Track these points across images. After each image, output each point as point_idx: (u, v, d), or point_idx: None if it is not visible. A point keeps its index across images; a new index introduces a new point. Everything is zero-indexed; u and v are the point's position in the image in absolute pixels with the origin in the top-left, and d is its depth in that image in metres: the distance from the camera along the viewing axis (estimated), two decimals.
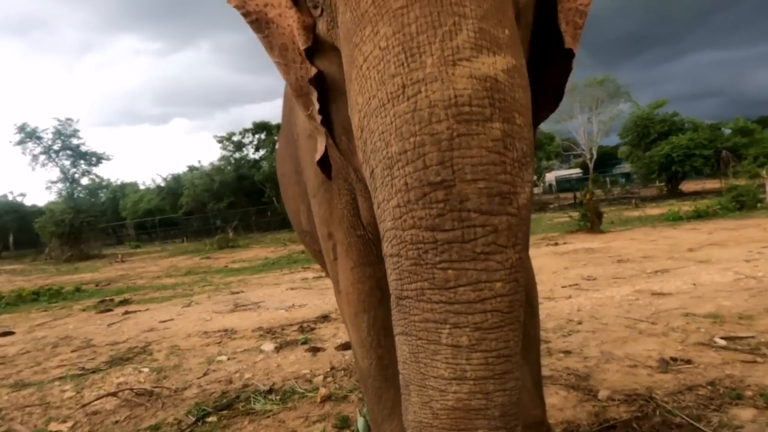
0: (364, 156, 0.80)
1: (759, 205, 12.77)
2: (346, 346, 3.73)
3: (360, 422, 2.40)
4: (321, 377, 3.17)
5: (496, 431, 0.73)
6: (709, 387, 2.51)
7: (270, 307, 5.76)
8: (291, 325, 4.76)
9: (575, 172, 44.98)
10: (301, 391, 2.97)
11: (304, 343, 3.97)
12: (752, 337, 3.15)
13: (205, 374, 3.44)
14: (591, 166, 31.85)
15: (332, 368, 3.32)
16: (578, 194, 21.66)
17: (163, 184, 35.72)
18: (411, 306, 0.73)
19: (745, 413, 2.21)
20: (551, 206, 25.48)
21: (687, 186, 26.38)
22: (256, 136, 32.70)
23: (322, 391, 2.87)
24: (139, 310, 6.49)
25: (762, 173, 14.83)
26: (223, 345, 4.24)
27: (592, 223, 11.02)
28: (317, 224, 1.60)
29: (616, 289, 4.91)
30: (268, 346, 3.95)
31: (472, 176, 0.69)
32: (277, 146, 2.53)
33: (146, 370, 3.61)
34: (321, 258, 2.21)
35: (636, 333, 3.45)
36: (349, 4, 0.83)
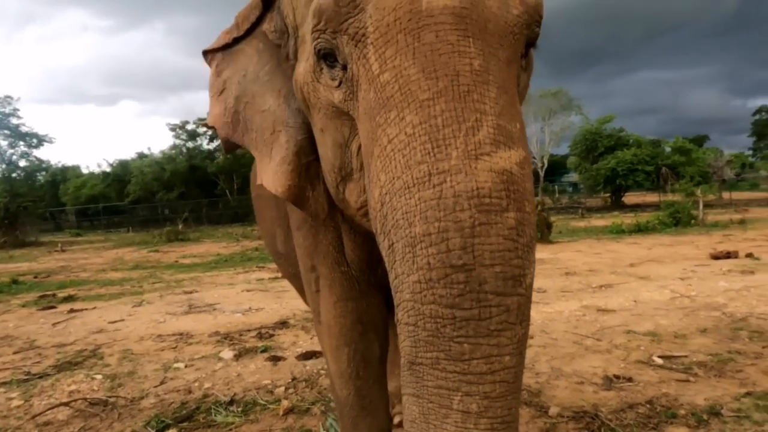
0: (383, 228, 0.88)
1: (693, 221, 13.66)
2: (306, 356, 3.77)
3: None
4: (282, 388, 3.20)
5: None
6: (648, 405, 2.72)
7: (226, 310, 5.69)
8: (249, 330, 4.73)
9: None
10: (263, 402, 2.99)
11: (264, 351, 3.97)
12: (686, 356, 3.43)
13: (162, 383, 3.39)
14: (542, 174, 33.02)
15: (294, 379, 3.35)
16: None
17: (108, 170, 34.22)
18: (425, 372, 0.80)
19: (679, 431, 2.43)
20: None
21: (629, 198, 27.84)
22: None
23: (285, 403, 2.91)
24: (86, 308, 6.25)
25: (697, 192, 15.87)
26: (179, 350, 4.18)
27: (542, 233, 11.46)
28: (300, 255, 1.64)
29: (564, 303, 5.17)
30: (227, 353, 3.92)
31: (490, 261, 0.77)
32: (254, 166, 2.54)
33: (99, 377, 3.51)
34: (296, 281, 2.25)
35: (582, 349, 3.67)
36: (374, 85, 0.90)
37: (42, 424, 2.82)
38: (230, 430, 2.69)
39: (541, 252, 9.72)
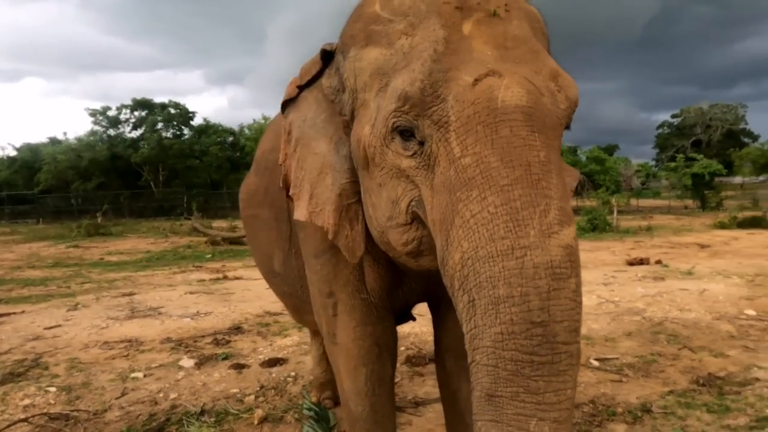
0: (463, 286, 1.04)
1: (608, 227, 14.90)
2: (271, 363, 3.83)
3: None
4: (252, 397, 3.25)
5: None
6: (591, 404, 3.08)
7: (173, 315, 5.56)
8: (203, 336, 4.69)
9: None
10: (235, 412, 3.05)
11: (225, 358, 3.98)
12: (617, 358, 3.86)
13: (123, 394, 3.33)
14: None
15: (262, 387, 3.41)
16: None
17: (15, 155, 31.33)
18: (505, 403, 0.98)
19: (619, 428, 2.79)
20: None
21: None
22: (135, 113, 30.15)
23: (259, 412, 2.98)
24: (14, 312, 5.83)
25: (612, 200, 17.28)
26: (132, 358, 4.08)
27: None
28: (316, 281, 1.76)
29: None
30: (187, 361, 3.89)
31: (560, 318, 0.97)
32: (246, 185, 2.61)
33: (53, 389, 3.38)
34: (289, 300, 2.36)
35: None
36: (455, 165, 1.06)
37: None
38: None
39: None
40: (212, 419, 2.95)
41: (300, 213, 1.50)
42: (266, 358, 3.94)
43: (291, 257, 2.11)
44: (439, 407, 2.87)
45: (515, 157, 1.02)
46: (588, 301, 5.69)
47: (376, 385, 1.71)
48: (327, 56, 1.45)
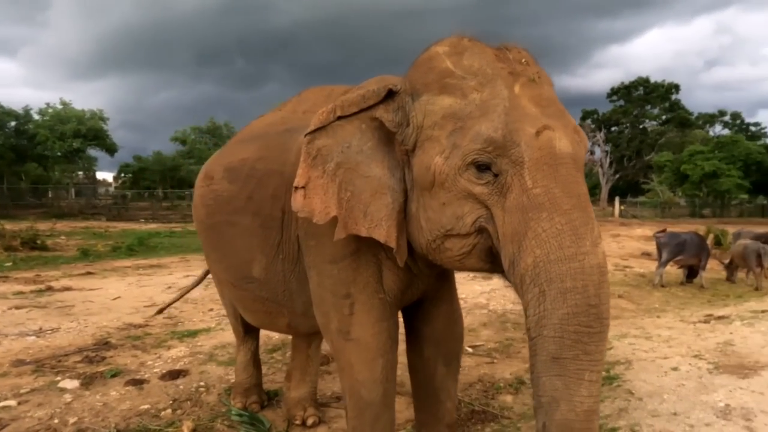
0: (534, 280, 1.41)
1: None
2: (173, 375, 3.64)
3: None
4: (169, 410, 3.11)
5: (596, 423, 1.43)
6: (480, 383, 3.70)
7: (9, 333, 4.72)
8: (65, 355, 4.15)
9: None
10: (156, 428, 2.90)
11: (114, 375, 3.63)
12: (483, 345, 4.63)
13: (2, 426, 2.86)
14: None
15: (175, 400, 3.26)
16: None
17: None
18: (568, 362, 1.37)
19: (508, 398, 3.44)
20: None
21: None
22: None
23: (188, 423, 2.89)
24: None
25: None
26: None
27: None
28: (331, 284, 1.94)
29: None
30: (70, 382, 3.46)
31: (605, 301, 1.40)
32: (212, 190, 2.56)
33: None
34: (263, 304, 2.42)
35: None
36: (527, 193, 1.43)
37: None
38: None
39: None
40: None
41: (351, 228, 1.69)
42: (163, 371, 3.72)
43: (277, 263, 2.21)
44: None
45: (571, 189, 1.45)
46: None
47: (389, 374, 1.97)
48: (389, 94, 1.69)
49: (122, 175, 37.37)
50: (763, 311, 5.34)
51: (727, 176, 29.19)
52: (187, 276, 7.95)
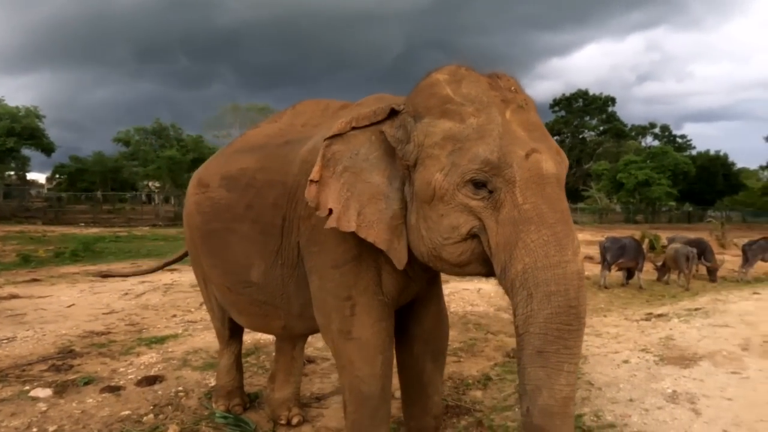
0: (523, 285, 1.62)
1: None
2: (150, 381, 3.63)
3: None
4: (152, 416, 3.12)
5: (572, 408, 1.65)
6: (450, 380, 3.92)
7: None
8: (28, 364, 4.02)
9: None
10: None
11: (87, 383, 3.57)
12: (449, 345, 4.85)
13: None
14: None
15: (155, 405, 3.27)
16: None
17: None
18: (550, 355, 1.58)
19: (478, 393, 3.68)
20: None
21: None
22: None
23: (174, 427, 2.94)
24: None
25: None
26: None
27: None
28: (333, 287, 2.08)
29: None
30: (41, 391, 3.38)
31: (583, 302, 1.63)
32: (208, 198, 2.63)
33: None
34: (260, 307, 2.53)
35: None
36: (518, 208, 1.64)
37: None
38: None
39: None
40: None
41: (343, 224, 1.86)
42: (138, 378, 3.70)
43: (276, 268, 2.33)
44: (337, 399, 3.34)
45: (555, 206, 1.67)
46: None
47: (387, 370, 2.13)
48: (393, 113, 1.87)
49: (57, 176, 35.45)
50: (696, 309, 5.91)
51: (658, 185, 31.35)
52: (143, 283, 7.77)
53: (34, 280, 8.37)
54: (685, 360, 3.75)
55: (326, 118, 2.37)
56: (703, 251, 9.31)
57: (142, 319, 5.70)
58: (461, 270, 1.86)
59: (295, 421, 3.09)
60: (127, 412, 3.16)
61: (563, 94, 43.62)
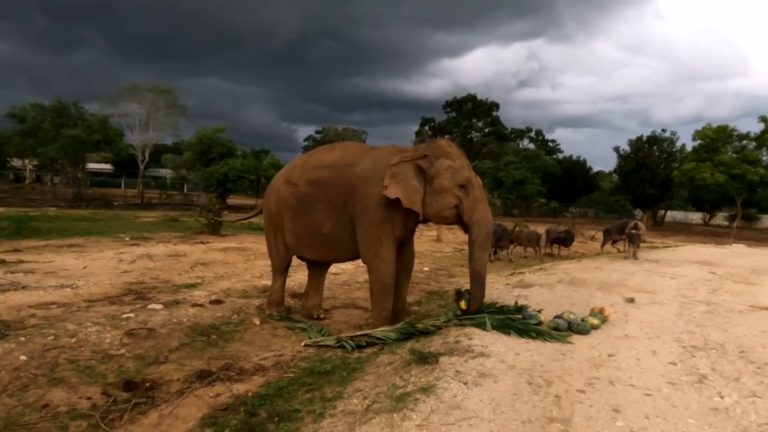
0: (476, 224, 4.44)
1: None
2: (218, 302, 5.70)
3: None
4: (235, 316, 5.28)
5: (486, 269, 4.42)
6: (368, 326, 6.47)
7: (44, 286, 6.08)
8: (118, 296, 5.84)
9: (107, 167, 44.16)
10: (237, 320, 5.09)
11: (177, 303, 5.56)
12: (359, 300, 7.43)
13: (166, 324, 4.77)
14: (142, 166, 33.67)
15: (233, 312, 5.41)
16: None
17: None
18: (482, 248, 4.39)
19: (416, 307, 6.29)
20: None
21: (232, 200, 32.44)
22: None
23: (256, 319, 5.15)
24: None
25: None
26: (88, 311, 5.13)
27: (215, 227, 13.93)
28: (373, 233, 4.63)
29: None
30: (156, 305, 5.34)
31: (491, 228, 4.51)
32: (297, 193, 5.00)
33: (51, 337, 4.49)
34: (326, 246, 4.95)
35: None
36: (475, 196, 4.42)
37: None
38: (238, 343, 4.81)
39: (230, 242, 12.34)
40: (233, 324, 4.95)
41: (405, 202, 4.42)
42: (208, 300, 5.73)
43: (338, 225, 4.78)
44: (338, 311, 5.81)
45: (484, 196, 4.48)
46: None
47: (394, 270, 4.68)
48: (424, 156, 4.46)
49: None
50: (540, 269, 9.12)
51: (531, 183, 36.78)
52: (125, 253, 9.22)
53: (16, 250, 9.27)
54: (528, 286, 6.74)
55: (363, 153, 4.82)
56: (568, 237, 13.06)
57: (159, 274, 7.45)
58: (446, 221, 4.52)
59: (322, 316, 5.49)
60: (220, 314, 5.28)
61: (454, 97, 48.37)
